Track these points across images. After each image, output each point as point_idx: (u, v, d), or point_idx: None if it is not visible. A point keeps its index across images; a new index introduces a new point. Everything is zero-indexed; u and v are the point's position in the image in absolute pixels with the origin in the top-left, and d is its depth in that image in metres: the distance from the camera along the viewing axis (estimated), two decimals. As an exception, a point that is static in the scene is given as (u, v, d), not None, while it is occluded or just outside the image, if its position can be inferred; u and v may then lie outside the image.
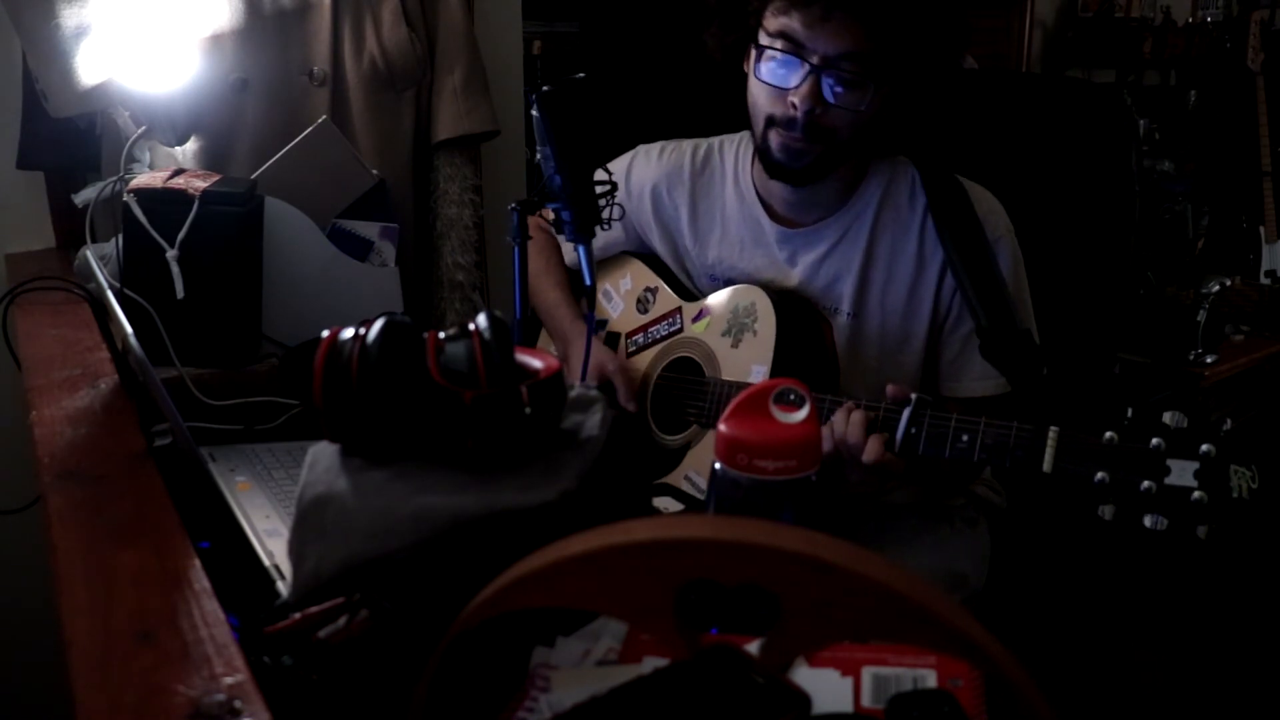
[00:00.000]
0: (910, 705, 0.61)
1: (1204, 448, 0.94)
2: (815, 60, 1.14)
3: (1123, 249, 1.46)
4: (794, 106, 1.16)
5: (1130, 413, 0.98)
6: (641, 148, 1.46)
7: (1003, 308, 1.19)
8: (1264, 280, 3.15)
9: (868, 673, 0.65)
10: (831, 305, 1.29)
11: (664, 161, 1.42)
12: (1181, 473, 0.95)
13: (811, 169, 1.22)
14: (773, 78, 1.18)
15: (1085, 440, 0.99)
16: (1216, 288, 2.78)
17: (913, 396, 1.07)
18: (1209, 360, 2.73)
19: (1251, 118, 3.25)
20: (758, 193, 1.34)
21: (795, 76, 1.16)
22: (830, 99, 1.16)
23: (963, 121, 1.57)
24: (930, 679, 0.64)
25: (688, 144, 1.42)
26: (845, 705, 0.62)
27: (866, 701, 0.63)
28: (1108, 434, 0.98)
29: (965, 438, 1.05)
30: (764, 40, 1.18)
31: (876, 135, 1.24)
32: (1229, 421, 0.95)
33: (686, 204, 1.39)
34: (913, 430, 1.07)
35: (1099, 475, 0.98)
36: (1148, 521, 0.96)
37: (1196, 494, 0.94)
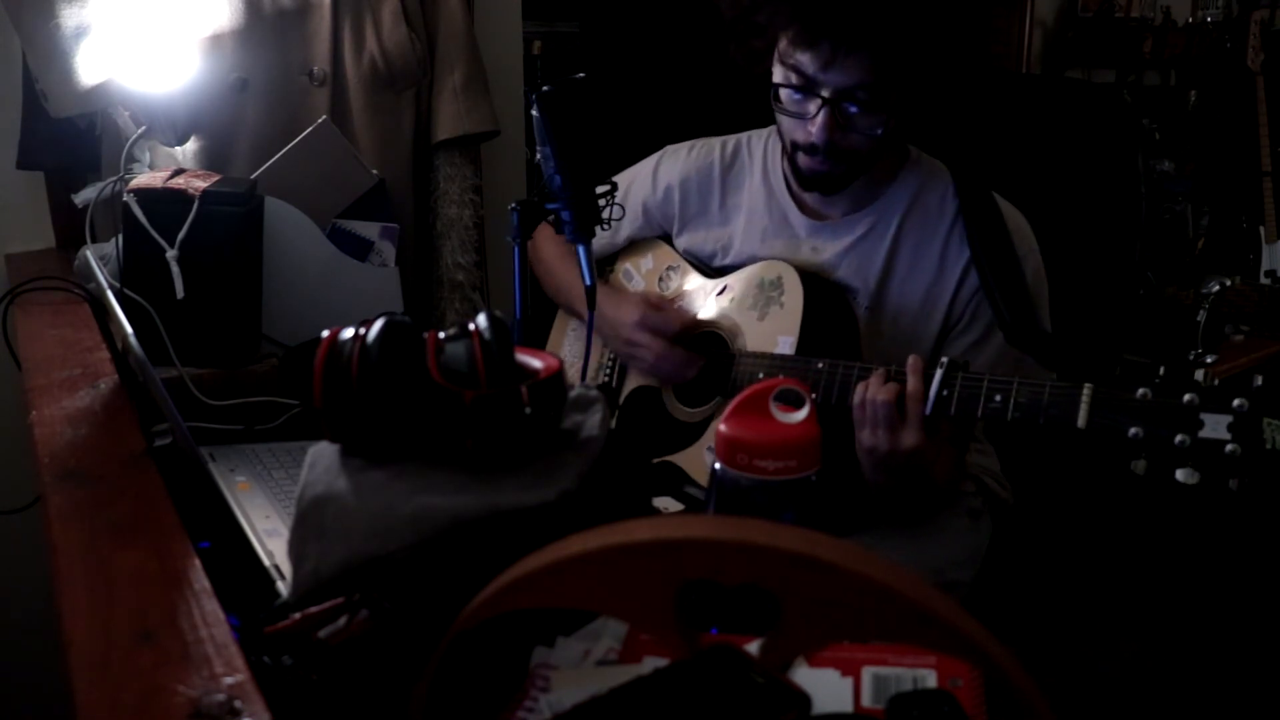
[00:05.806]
0: (910, 705, 0.61)
1: (1237, 401, 0.95)
2: (826, 94, 1.18)
3: (1128, 251, 1.46)
4: (812, 134, 1.20)
5: (1162, 370, 0.99)
6: (669, 147, 1.49)
7: (1026, 303, 1.22)
8: (1264, 280, 3.15)
9: (868, 673, 0.65)
10: (850, 296, 1.31)
11: (693, 158, 1.45)
12: (1215, 426, 0.96)
13: (838, 182, 1.27)
14: (791, 106, 1.23)
15: (1119, 396, 1.01)
16: (1216, 288, 2.78)
17: (944, 360, 1.09)
18: (1209, 360, 2.72)
19: (1251, 118, 3.24)
20: (788, 186, 1.36)
21: (811, 107, 1.20)
22: (846, 126, 1.20)
23: (961, 122, 1.56)
24: (930, 679, 0.64)
25: (715, 141, 1.45)
26: (845, 705, 0.62)
27: (866, 701, 0.63)
28: (1141, 390, 1.00)
29: (999, 397, 1.06)
30: (777, 72, 1.22)
31: (896, 139, 1.28)
32: (1259, 378, 0.96)
33: (716, 199, 1.42)
34: (944, 392, 1.08)
35: (1133, 430, 0.99)
36: (1180, 475, 0.97)
37: (1230, 446, 0.95)
